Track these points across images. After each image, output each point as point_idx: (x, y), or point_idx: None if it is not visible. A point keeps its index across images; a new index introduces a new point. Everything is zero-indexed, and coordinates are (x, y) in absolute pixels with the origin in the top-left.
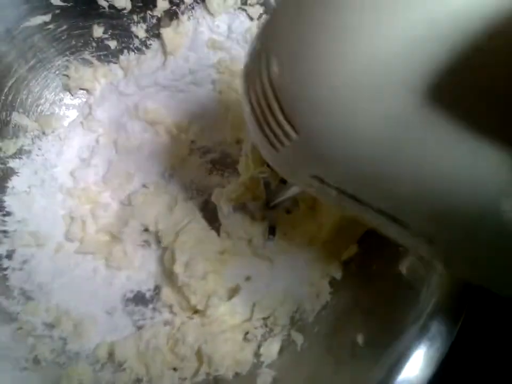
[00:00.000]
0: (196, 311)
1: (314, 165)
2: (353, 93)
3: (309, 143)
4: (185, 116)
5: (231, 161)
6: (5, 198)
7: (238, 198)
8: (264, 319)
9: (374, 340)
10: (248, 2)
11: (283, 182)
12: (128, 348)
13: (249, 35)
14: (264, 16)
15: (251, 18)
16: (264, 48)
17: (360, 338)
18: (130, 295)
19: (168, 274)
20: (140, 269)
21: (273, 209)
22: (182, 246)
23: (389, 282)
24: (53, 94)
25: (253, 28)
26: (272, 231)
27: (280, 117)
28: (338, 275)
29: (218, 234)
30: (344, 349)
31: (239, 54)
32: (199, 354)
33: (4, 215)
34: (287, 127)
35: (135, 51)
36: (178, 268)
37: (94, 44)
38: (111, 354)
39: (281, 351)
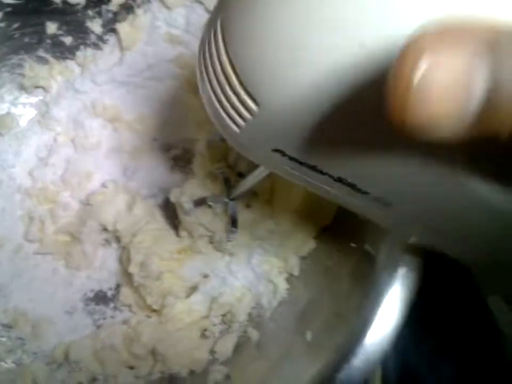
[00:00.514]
0: (153, 310)
1: (275, 138)
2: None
3: (269, 114)
4: (146, 112)
5: (193, 157)
6: None
7: (195, 195)
8: (222, 316)
9: (323, 337)
10: None
11: (241, 175)
12: (84, 347)
13: None
14: None
15: (209, 11)
16: (219, 16)
17: (309, 335)
18: (91, 294)
19: (126, 274)
20: (101, 268)
21: (233, 202)
22: (138, 246)
23: (345, 277)
24: (8, 93)
25: None
26: (234, 224)
27: (240, 90)
28: (295, 271)
29: (178, 233)
30: (298, 344)
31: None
32: (154, 353)
33: None
34: (248, 100)
35: (92, 46)
36: (133, 268)
37: (48, 41)
38: (67, 354)
39: (237, 348)
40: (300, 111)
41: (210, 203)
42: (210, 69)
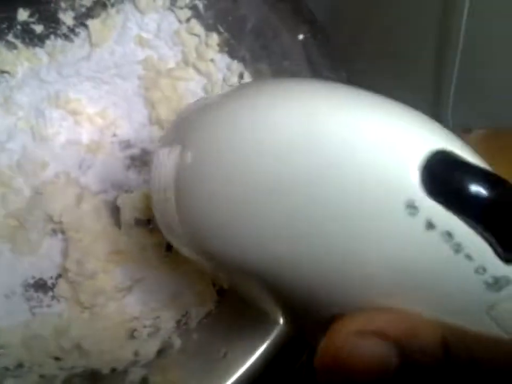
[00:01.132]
0: (86, 307)
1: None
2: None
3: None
4: (108, 108)
5: (149, 159)
6: None
7: (142, 210)
8: (154, 319)
9: (238, 351)
10: (177, 4)
11: None
12: (15, 334)
13: (177, 37)
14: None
15: (180, 21)
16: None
17: (223, 352)
18: (31, 281)
19: (64, 268)
20: (44, 257)
21: None
22: (77, 242)
23: None
24: None
25: (182, 30)
26: (169, 247)
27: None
28: (225, 284)
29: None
30: (214, 358)
31: (167, 53)
32: (79, 348)
33: None
34: (175, 220)
35: (62, 37)
36: (69, 264)
37: (19, 27)
38: None
39: (160, 352)
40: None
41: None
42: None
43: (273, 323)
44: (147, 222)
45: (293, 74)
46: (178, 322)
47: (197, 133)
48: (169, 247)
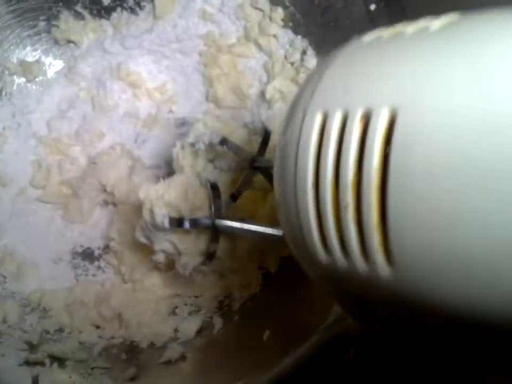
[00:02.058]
0: (128, 279)
1: (384, 301)
2: None
3: (401, 284)
4: (167, 83)
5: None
6: None
7: (172, 204)
8: (195, 297)
9: (280, 338)
10: None
11: (236, 195)
12: (58, 298)
13: (241, 11)
14: None
15: None
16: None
17: (266, 335)
18: (80, 249)
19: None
20: (94, 226)
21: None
22: (124, 213)
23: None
24: (41, 42)
25: (246, 4)
26: (211, 256)
27: (374, 230)
28: (273, 269)
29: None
30: (255, 342)
31: (228, 28)
32: (120, 318)
33: None
34: (378, 251)
35: (128, 10)
36: (113, 233)
37: None
38: (42, 301)
39: (200, 332)
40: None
41: (188, 227)
42: (327, 178)
43: (323, 317)
44: (181, 222)
45: None
46: (220, 303)
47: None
48: (211, 256)
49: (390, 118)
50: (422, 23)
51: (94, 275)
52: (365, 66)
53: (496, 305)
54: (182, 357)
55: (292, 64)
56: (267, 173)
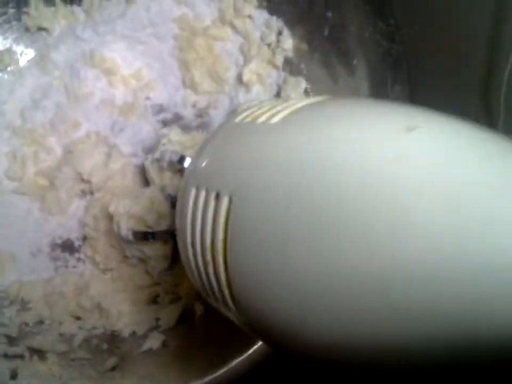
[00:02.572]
0: (107, 268)
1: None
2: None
3: (246, 319)
4: (142, 69)
5: (182, 124)
6: None
7: (138, 219)
8: (175, 285)
9: None
10: None
11: None
12: (36, 289)
13: None
14: None
15: None
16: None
17: None
18: (59, 241)
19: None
20: (73, 217)
21: None
22: (99, 199)
23: None
24: (11, 30)
25: None
26: (174, 261)
27: (222, 278)
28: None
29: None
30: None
31: (203, 11)
32: (99, 308)
33: None
34: (226, 293)
35: None
36: (87, 219)
37: None
38: (20, 293)
39: (181, 319)
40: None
41: (151, 239)
42: (199, 245)
43: None
44: (145, 235)
45: (334, 26)
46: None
47: (255, 176)
48: (174, 260)
49: (228, 201)
50: (276, 109)
51: (74, 266)
52: (223, 151)
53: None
54: (164, 345)
55: (268, 45)
56: None
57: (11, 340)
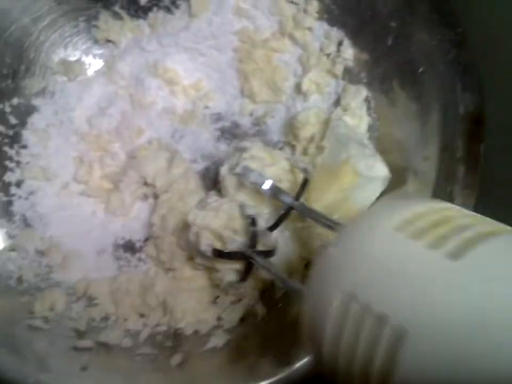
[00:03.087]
0: (170, 268)
1: None
2: None
3: None
4: (202, 79)
5: (239, 132)
6: (24, 132)
7: (217, 236)
8: (237, 288)
9: None
10: None
11: (274, 227)
12: (103, 286)
13: (275, 6)
14: None
15: None
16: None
17: None
18: (121, 242)
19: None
20: (135, 219)
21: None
22: (166, 200)
23: None
24: (81, 42)
25: (281, 0)
26: (244, 278)
27: None
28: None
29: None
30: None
31: (263, 24)
32: (164, 305)
33: (20, 147)
34: None
35: (164, 9)
36: (154, 219)
37: None
38: (87, 290)
39: (243, 320)
40: None
41: (226, 259)
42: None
43: None
44: (223, 253)
45: (398, 35)
46: (262, 292)
47: (436, 313)
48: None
49: (395, 329)
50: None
51: (136, 266)
52: (386, 267)
53: None
54: (227, 344)
55: (328, 55)
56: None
57: (80, 334)
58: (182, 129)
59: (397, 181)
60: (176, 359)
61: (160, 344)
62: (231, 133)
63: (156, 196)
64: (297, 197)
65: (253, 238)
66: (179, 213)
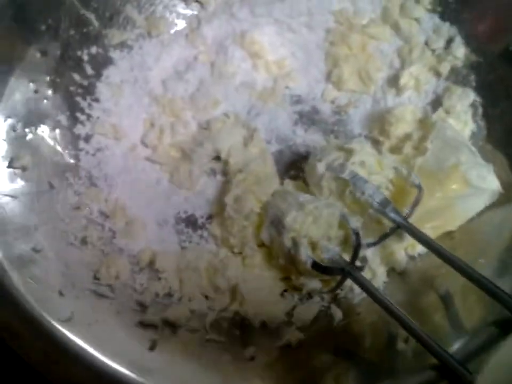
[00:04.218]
0: (235, 252)
1: None
2: None
3: None
4: (288, 58)
5: (318, 118)
6: (98, 84)
7: (314, 242)
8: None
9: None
10: None
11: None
12: (170, 260)
13: None
14: None
15: None
16: None
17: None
18: (183, 216)
19: (220, 205)
20: (200, 194)
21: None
22: (240, 181)
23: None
24: None
25: None
26: (336, 288)
27: None
28: (398, 267)
29: (282, 183)
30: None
31: (365, 7)
32: (233, 291)
33: (93, 100)
34: None
35: None
36: (228, 199)
37: None
38: (152, 262)
39: (315, 319)
40: None
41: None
42: None
43: None
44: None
45: None
46: (336, 294)
47: None
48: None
49: None
50: None
51: (197, 243)
52: None
53: None
54: (300, 344)
55: (433, 51)
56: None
57: (144, 308)
58: (259, 106)
59: (504, 197)
60: (250, 351)
61: (227, 332)
62: (309, 118)
63: (225, 173)
64: (407, 216)
65: (355, 254)
66: (255, 197)
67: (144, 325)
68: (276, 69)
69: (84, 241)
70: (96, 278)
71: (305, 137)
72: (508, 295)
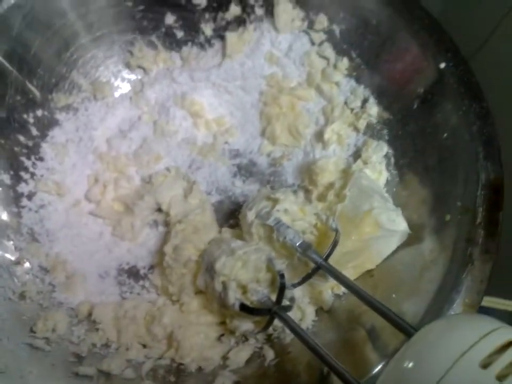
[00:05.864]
0: (175, 300)
1: None
2: None
3: None
4: (225, 116)
5: (256, 170)
6: (43, 144)
7: (244, 289)
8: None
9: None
10: (314, 27)
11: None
12: (108, 311)
13: (306, 58)
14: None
15: (312, 43)
16: None
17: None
18: (126, 267)
19: (161, 255)
20: (142, 245)
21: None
22: (181, 230)
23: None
24: (113, 65)
25: (312, 52)
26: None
27: None
28: (326, 306)
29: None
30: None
31: (292, 72)
32: (170, 338)
33: (37, 159)
34: None
35: (198, 46)
36: (167, 248)
37: (163, 30)
38: (90, 313)
39: (249, 361)
40: None
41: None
42: None
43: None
44: (250, 309)
45: (425, 101)
46: (269, 335)
47: None
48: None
49: None
50: None
51: (138, 294)
52: None
53: None
54: None
55: (352, 110)
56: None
57: (80, 360)
58: (200, 160)
59: (414, 237)
60: None
61: (162, 379)
62: (247, 170)
63: (166, 224)
64: (326, 257)
65: (280, 295)
66: (193, 246)
67: (79, 375)
68: (215, 126)
69: (22, 296)
70: (32, 331)
71: (244, 188)
72: (398, 317)
